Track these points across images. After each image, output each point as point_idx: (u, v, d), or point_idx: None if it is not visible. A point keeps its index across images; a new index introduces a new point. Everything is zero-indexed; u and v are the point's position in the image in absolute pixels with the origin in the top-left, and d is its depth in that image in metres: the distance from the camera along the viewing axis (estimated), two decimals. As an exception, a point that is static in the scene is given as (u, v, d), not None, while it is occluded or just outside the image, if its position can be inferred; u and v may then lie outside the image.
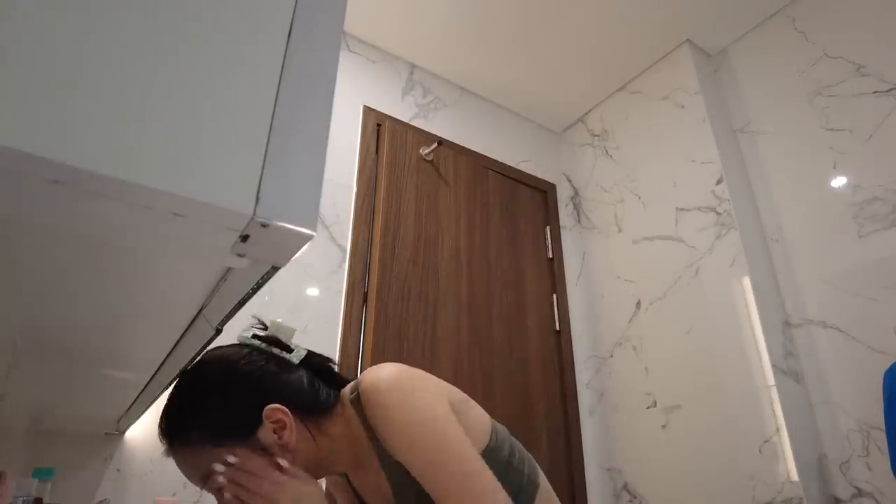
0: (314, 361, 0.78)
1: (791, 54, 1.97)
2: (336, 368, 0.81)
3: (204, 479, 0.68)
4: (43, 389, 0.89)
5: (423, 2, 2.06)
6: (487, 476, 0.64)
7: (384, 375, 0.70)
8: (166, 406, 0.71)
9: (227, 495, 0.67)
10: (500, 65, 2.35)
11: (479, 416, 0.77)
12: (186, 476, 0.71)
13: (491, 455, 0.73)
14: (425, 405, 0.67)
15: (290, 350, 0.76)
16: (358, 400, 0.72)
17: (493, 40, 2.23)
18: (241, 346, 0.76)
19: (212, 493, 0.69)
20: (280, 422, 0.69)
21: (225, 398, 0.69)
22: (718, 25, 2.14)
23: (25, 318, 0.53)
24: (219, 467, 0.66)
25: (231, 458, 0.67)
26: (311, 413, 0.73)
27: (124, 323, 0.55)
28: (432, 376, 0.75)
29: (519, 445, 0.80)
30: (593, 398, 2.18)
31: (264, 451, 0.68)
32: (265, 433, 0.68)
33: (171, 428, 0.71)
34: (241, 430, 0.68)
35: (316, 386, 0.75)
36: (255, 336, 0.76)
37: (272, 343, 0.76)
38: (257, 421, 0.68)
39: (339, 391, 0.78)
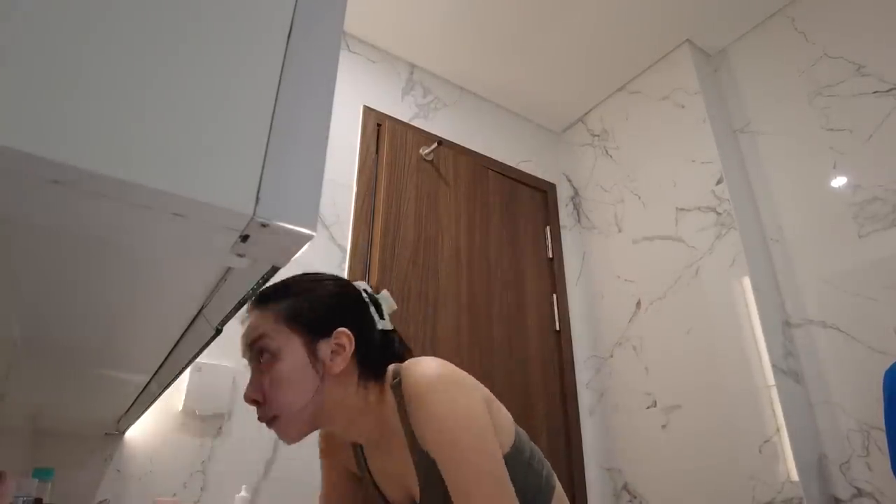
0: (394, 340, 0.84)
1: (791, 54, 1.97)
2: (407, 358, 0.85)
3: (252, 343, 0.74)
4: (43, 389, 0.89)
5: (423, 2, 2.06)
6: (510, 485, 0.67)
7: (429, 371, 0.73)
8: (279, 281, 0.79)
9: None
10: (499, 65, 2.35)
11: (506, 418, 0.80)
12: (243, 338, 0.77)
13: (515, 456, 0.76)
14: (466, 406, 0.70)
15: (382, 317, 0.82)
16: (399, 387, 0.75)
17: (493, 40, 2.23)
18: (358, 286, 0.85)
19: (249, 361, 0.76)
20: (341, 346, 0.75)
21: (319, 299, 0.78)
22: (718, 25, 2.14)
23: (25, 318, 0.53)
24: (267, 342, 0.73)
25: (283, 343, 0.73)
26: (365, 368, 0.77)
27: (124, 323, 0.55)
28: (469, 376, 0.77)
29: (537, 448, 0.83)
30: (593, 398, 2.18)
31: (313, 356, 0.73)
32: (324, 346, 0.74)
33: (264, 292, 0.78)
34: (310, 326, 0.75)
35: (382, 355, 0.80)
36: (364, 290, 0.84)
37: (373, 303, 0.83)
38: (327, 332, 0.75)
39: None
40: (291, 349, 0.73)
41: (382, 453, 0.80)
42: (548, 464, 0.83)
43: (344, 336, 0.75)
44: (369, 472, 0.85)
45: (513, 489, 0.67)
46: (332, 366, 0.74)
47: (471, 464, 0.65)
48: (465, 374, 0.76)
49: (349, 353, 0.75)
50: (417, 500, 0.75)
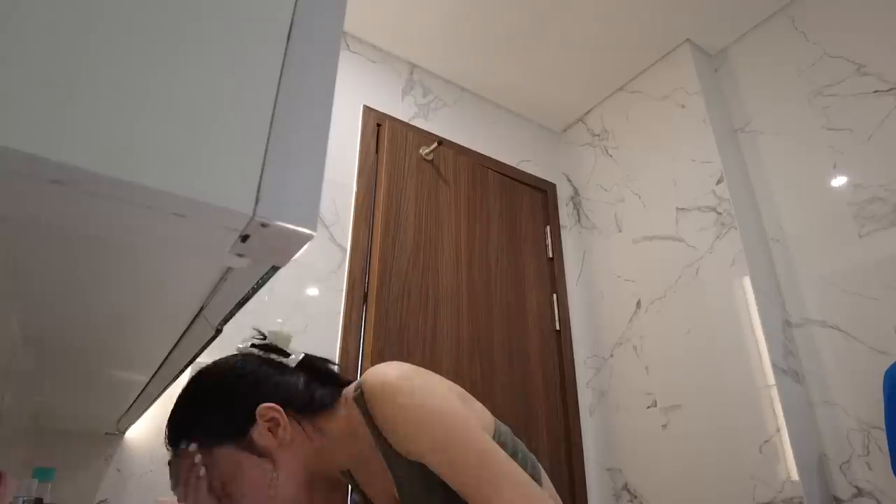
0: (312, 364, 0.79)
1: (791, 54, 1.97)
2: (336, 369, 0.82)
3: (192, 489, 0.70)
4: (43, 389, 0.89)
5: (423, 1, 2.06)
6: (511, 463, 0.65)
7: (389, 375, 0.71)
8: (170, 416, 0.74)
9: None
10: (500, 64, 2.35)
11: (482, 413, 0.78)
12: (174, 483, 0.73)
13: None
14: (435, 403, 0.68)
15: (287, 355, 0.78)
16: (362, 398, 0.72)
17: (493, 40, 2.23)
18: (237, 354, 0.78)
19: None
20: (273, 420, 0.71)
21: (219, 402, 0.72)
22: (718, 25, 2.14)
23: (26, 319, 0.53)
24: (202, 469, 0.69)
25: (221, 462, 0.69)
26: (308, 412, 0.74)
27: (124, 323, 0.55)
28: (433, 374, 0.76)
29: (521, 445, 0.81)
30: (593, 398, 2.18)
31: (261, 452, 0.70)
32: (260, 433, 0.70)
33: (173, 435, 0.73)
34: (235, 430, 0.70)
35: (312, 387, 0.76)
36: (253, 345, 0.78)
37: (270, 350, 0.78)
38: (251, 420, 0.70)
39: (341, 390, 0.78)
40: (232, 464, 0.69)
41: (364, 467, 0.78)
42: (535, 461, 0.81)
43: (268, 411, 0.70)
44: (361, 491, 0.84)
45: (514, 463, 0.65)
46: (283, 439, 0.71)
47: (470, 465, 0.63)
48: (423, 373, 0.73)
49: (286, 418, 0.71)
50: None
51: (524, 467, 0.76)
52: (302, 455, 0.72)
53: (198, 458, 0.70)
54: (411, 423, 0.67)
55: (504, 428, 0.80)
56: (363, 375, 0.75)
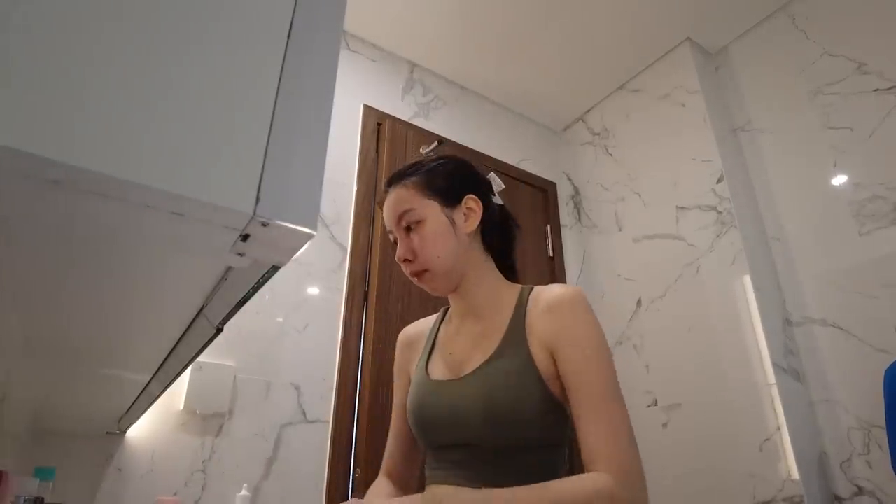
0: (507, 215, 0.96)
1: (792, 52, 1.97)
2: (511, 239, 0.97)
3: (399, 216, 0.87)
4: (43, 389, 0.89)
5: (424, 1, 2.06)
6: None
7: (573, 292, 0.82)
8: (407, 165, 0.93)
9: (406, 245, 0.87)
10: (500, 63, 2.34)
11: None
12: (389, 211, 0.89)
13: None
14: (602, 333, 0.79)
15: (493, 193, 0.95)
16: (529, 293, 0.85)
17: (493, 39, 2.23)
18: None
19: (398, 233, 0.88)
20: (472, 209, 0.89)
21: (448, 171, 0.91)
22: (719, 24, 2.14)
23: (25, 318, 0.53)
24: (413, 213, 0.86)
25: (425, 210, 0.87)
26: (488, 236, 0.91)
27: (125, 322, 0.55)
28: None
29: None
30: (594, 397, 2.18)
31: (450, 218, 0.87)
32: (458, 210, 0.89)
33: (399, 173, 0.91)
34: (445, 193, 0.88)
35: (500, 227, 0.93)
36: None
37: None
38: (459, 199, 0.89)
39: (506, 265, 0.94)
40: (434, 213, 0.86)
41: (471, 321, 0.88)
42: None
43: (472, 201, 0.89)
44: (432, 346, 0.94)
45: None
46: (466, 226, 0.87)
47: (608, 379, 0.75)
48: None
49: (479, 214, 0.89)
50: (466, 373, 0.82)
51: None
52: (468, 254, 0.87)
53: (414, 198, 0.87)
54: (589, 328, 0.78)
55: None
56: (540, 287, 0.87)
